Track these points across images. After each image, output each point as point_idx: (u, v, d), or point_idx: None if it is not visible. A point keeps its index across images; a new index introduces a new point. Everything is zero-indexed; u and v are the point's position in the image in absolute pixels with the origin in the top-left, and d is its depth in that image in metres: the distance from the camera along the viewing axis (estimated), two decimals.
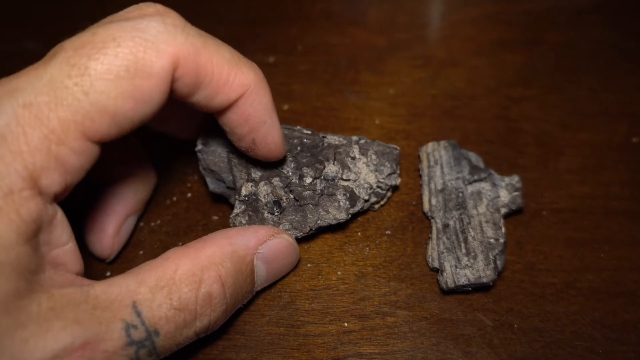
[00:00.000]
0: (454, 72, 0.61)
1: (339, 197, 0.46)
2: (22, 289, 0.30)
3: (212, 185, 0.49)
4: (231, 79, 0.37)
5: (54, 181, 0.32)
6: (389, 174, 0.48)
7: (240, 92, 0.38)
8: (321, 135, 0.48)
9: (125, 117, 0.33)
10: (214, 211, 0.51)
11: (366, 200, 0.48)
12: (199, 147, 0.47)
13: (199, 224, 0.50)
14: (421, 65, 0.62)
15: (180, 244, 0.48)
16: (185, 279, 0.36)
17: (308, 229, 0.45)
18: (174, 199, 0.52)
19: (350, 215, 0.46)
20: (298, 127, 0.48)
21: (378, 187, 0.48)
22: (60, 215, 0.33)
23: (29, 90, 0.31)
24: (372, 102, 0.58)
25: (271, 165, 0.46)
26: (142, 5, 0.36)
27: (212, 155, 0.47)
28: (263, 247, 0.42)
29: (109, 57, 0.31)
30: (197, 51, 0.35)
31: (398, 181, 0.49)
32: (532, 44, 0.63)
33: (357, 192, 0.47)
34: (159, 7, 0.35)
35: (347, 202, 0.46)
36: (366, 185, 0.47)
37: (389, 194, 0.50)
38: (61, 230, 0.34)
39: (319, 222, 0.46)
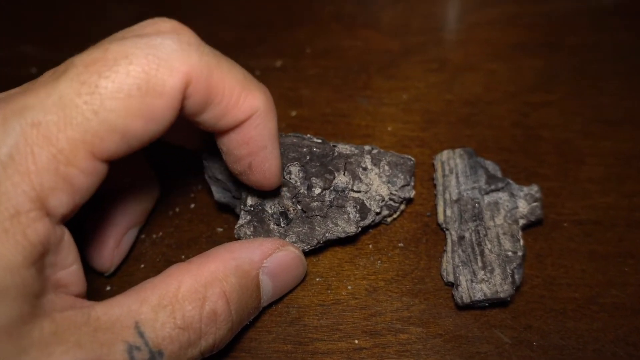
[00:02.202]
0: (470, 77, 0.61)
1: (348, 209, 0.46)
2: (25, 313, 0.30)
3: (218, 194, 0.49)
4: (241, 100, 0.37)
5: (62, 202, 0.32)
6: (403, 186, 0.48)
7: (248, 114, 0.38)
8: (332, 144, 0.48)
9: (135, 135, 0.33)
10: (219, 222, 0.51)
11: (377, 213, 0.48)
12: (205, 155, 0.48)
13: (202, 236, 0.50)
14: (436, 69, 0.62)
15: (183, 257, 0.49)
16: (189, 296, 0.36)
17: (315, 242, 0.45)
18: (177, 209, 0.52)
19: (360, 229, 0.47)
20: (308, 136, 0.48)
21: (390, 199, 0.48)
22: (67, 237, 0.34)
23: (37, 108, 0.31)
24: (385, 108, 0.59)
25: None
26: (157, 20, 0.36)
27: (219, 163, 0.48)
28: (268, 260, 0.42)
29: (120, 75, 0.32)
30: (210, 71, 0.35)
31: (412, 194, 0.49)
32: (553, 47, 0.64)
33: (368, 204, 0.47)
34: (175, 24, 0.36)
35: (358, 215, 0.46)
36: (378, 198, 0.47)
37: (402, 206, 0.50)
38: (67, 252, 0.34)
39: (327, 235, 0.46)
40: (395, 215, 0.50)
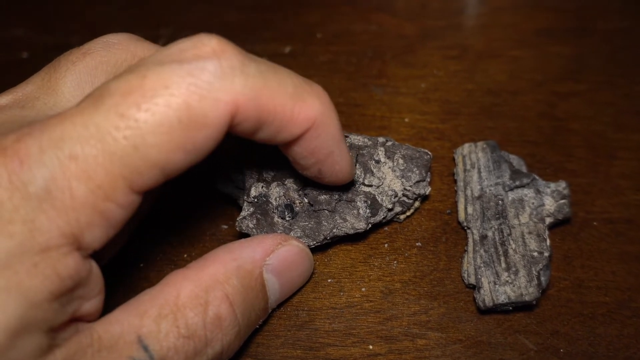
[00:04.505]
0: (493, 65, 0.61)
1: (358, 204, 0.46)
2: (43, 347, 0.31)
3: (220, 183, 0.50)
4: (295, 114, 0.37)
5: (95, 237, 0.32)
6: (417, 181, 0.48)
7: (306, 127, 0.37)
8: (344, 134, 0.48)
9: (175, 168, 0.33)
10: (223, 219, 0.52)
11: (389, 210, 0.48)
12: None
13: (206, 234, 0.51)
14: (456, 56, 0.62)
15: (185, 256, 0.49)
16: (189, 302, 0.36)
17: (322, 237, 0.46)
18: (179, 205, 0.53)
19: (370, 226, 0.47)
20: None
21: (404, 195, 0.48)
22: (95, 268, 0.34)
23: (74, 140, 0.31)
24: (401, 98, 0.59)
25: (286, 165, 0.46)
26: (197, 42, 0.34)
27: (222, 150, 0.47)
28: (271, 257, 0.42)
29: (160, 108, 0.31)
30: (257, 93, 0.34)
31: (428, 190, 0.49)
32: (582, 33, 0.64)
33: (379, 199, 0.47)
34: (215, 45, 0.34)
35: (368, 210, 0.46)
36: (390, 193, 0.47)
37: (416, 204, 0.50)
38: (94, 285, 0.34)
39: (334, 230, 0.46)
40: (408, 213, 0.50)
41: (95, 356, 0.33)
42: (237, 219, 0.46)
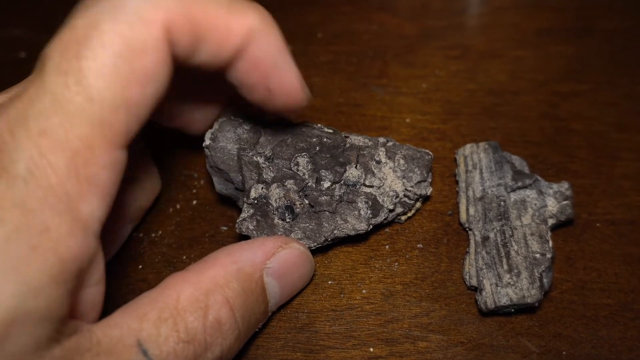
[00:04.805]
0: (495, 65, 0.61)
1: (359, 204, 0.47)
2: (41, 340, 0.30)
3: (219, 185, 0.49)
4: (232, 24, 0.36)
5: (93, 208, 0.32)
6: (419, 182, 0.48)
7: (245, 36, 0.37)
8: (344, 134, 0.49)
9: (138, 105, 0.33)
10: (223, 220, 0.52)
11: (391, 210, 0.48)
12: (207, 142, 0.47)
13: (205, 235, 0.51)
14: (458, 56, 0.62)
15: (184, 257, 0.49)
16: (189, 306, 0.36)
17: (323, 239, 0.46)
18: (178, 206, 0.53)
19: (371, 227, 0.47)
20: (319, 125, 0.49)
21: (405, 196, 0.48)
22: (99, 253, 0.34)
23: (37, 115, 0.31)
24: (402, 98, 0.59)
25: (286, 166, 0.47)
26: None
27: (221, 152, 0.47)
28: (272, 260, 0.42)
29: (97, 50, 0.31)
30: (188, 10, 0.34)
31: (429, 190, 0.49)
32: (584, 32, 0.64)
33: (380, 200, 0.47)
34: None
35: (369, 211, 0.47)
36: (392, 194, 0.47)
37: (417, 204, 0.50)
38: (96, 270, 0.34)
39: (335, 232, 0.46)
40: (410, 214, 0.50)
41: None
42: (237, 220, 0.46)
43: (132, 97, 0.32)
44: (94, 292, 0.35)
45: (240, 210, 0.49)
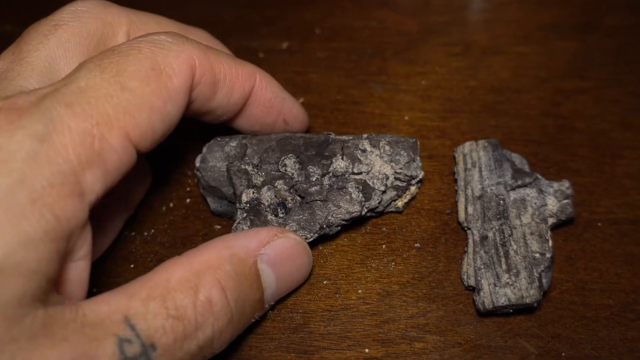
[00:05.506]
0: (496, 61, 0.61)
1: (350, 190, 0.47)
2: (27, 296, 0.31)
3: (214, 204, 0.51)
4: (239, 72, 0.45)
5: (95, 179, 0.34)
6: (407, 163, 0.49)
7: (252, 82, 0.46)
8: (326, 133, 0.50)
9: (160, 115, 0.38)
10: (217, 219, 0.52)
11: (383, 192, 0.48)
12: (198, 164, 0.50)
13: (198, 234, 0.51)
14: (459, 53, 0.63)
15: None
16: (180, 286, 0.37)
17: (318, 226, 0.46)
18: (171, 205, 0.53)
19: (366, 210, 0.47)
20: (300, 134, 0.51)
21: (396, 178, 0.49)
22: (88, 226, 0.35)
23: (67, 92, 0.34)
24: (402, 95, 0.59)
25: (274, 169, 0.48)
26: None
27: (212, 171, 0.50)
28: (266, 248, 0.42)
29: (134, 60, 0.37)
30: (207, 54, 0.42)
31: (420, 174, 0.50)
32: (588, 28, 0.64)
33: (371, 183, 0.48)
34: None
35: (361, 195, 0.47)
36: (381, 176, 0.48)
37: (412, 188, 0.50)
38: (84, 241, 0.35)
39: (329, 218, 0.46)
40: (405, 200, 0.51)
41: (77, 331, 0.33)
42: (232, 227, 0.46)
43: (155, 105, 0.38)
44: (80, 267, 0.36)
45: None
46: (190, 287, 0.37)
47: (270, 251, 0.42)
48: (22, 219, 0.30)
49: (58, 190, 0.32)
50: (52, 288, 0.33)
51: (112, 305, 0.35)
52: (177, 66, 0.39)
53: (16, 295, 0.30)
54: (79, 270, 0.36)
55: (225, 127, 0.50)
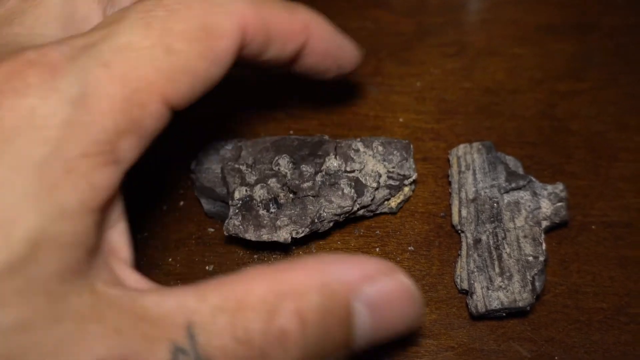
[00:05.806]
0: (492, 63, 0.61)
1: (342, 186, 0.48)
2: (68, 270, 0.29)
3: (207, 205, 0.51)
4: (293, 24, 0.42)
5: (131, 146, 0.33)
6: (400, 162, 0.49)
7: (306, 33, 0.43)
8: (320, 135, 0.51)
9: (202, 78, 0.36)
10: (210, 222, 0.52)
11: (375, 189, 0.49)
12: (193, 167, 0.51)
13: (192, 237, 0.51)
14: (454, 54, 0.63)
15: (170, 260, 0.50)
16: (256, 305, 0.32)
17: (309, 220, 0.46)
18: (164, 207, 0.53)
19: (358, 206, 0.48)
20: (294, 136, 0.51)
21: (389, 177, 0.49)
22: (120, 194, 0.35)
23: (106, 49, 0.32)
24: (396, 97, 0.59)
25: (268, 168, 0.49)
26: None
27: (206, 172, 0.50)
28: (368, 286, 0.35)
29: (183, 17, 0.35)
30: (260, 10, 0.39)
31: (414, 174, 0.50)
32: (585, 29, 0.64)
33: (363, 179, 0.48)
34: None
35: (353, 190, 0.48)
36: (373, 174, 0.49)
37: (406, 189, 0.51)
38: (117, 206, 0.34)
39: (321, 212, 0.47)
40: (398, 200, 0.51)
41: (132, 323, 0.30)
42: (225, 223, 0.47)
43: (199, 69, 0.35)
44: (120, 229, 0.35)
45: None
46: (267, 309, 0.32)
47: (372, 291, 0.35)
48: (58, 190, 0.29)
49: (93, 159, 0.30)
50: (98, 263, 0.32)
51: (180, 302, 0.32)
52: (227, 26, 0.36)
53: (57, 270, 0.29)
54: (116, 234, 0.35)
55: (221, 130, 0.50)
